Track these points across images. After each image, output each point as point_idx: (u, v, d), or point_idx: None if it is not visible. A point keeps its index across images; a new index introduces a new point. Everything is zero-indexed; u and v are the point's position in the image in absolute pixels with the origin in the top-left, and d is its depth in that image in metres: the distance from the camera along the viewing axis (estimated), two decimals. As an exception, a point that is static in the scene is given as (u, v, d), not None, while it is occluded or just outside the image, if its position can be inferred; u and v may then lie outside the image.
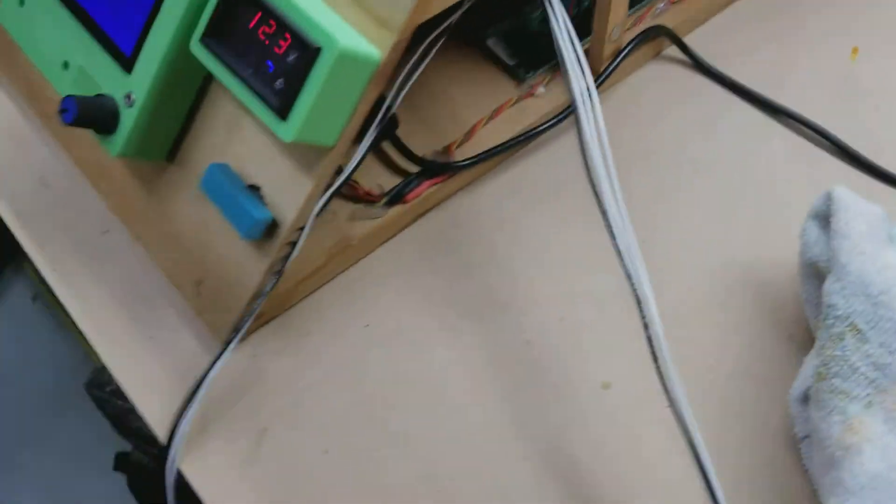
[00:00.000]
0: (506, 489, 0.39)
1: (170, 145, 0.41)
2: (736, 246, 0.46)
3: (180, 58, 0.38)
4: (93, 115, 0.38)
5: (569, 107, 0.50)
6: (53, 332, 1.12)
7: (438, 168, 0.46)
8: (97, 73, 0.40)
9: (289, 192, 0.38)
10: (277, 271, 0.40)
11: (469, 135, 0.48)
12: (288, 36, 0.34)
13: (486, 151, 0.47)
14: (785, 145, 0.50)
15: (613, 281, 0.36)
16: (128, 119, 0.39)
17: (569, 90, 0.37)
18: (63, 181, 0.47)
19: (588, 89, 0.37)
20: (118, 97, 0.39)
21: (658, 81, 0.53)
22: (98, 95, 0.39)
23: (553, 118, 0.49)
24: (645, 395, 0.37)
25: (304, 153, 0.38)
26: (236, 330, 0.39)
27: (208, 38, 0.36)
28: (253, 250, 0.40)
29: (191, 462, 0.39)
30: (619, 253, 0.34)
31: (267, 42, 0.35)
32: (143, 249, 0.45)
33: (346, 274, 0.45)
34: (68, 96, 0.38)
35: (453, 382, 0.42)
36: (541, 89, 0.50)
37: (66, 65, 0.41)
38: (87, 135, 0.45)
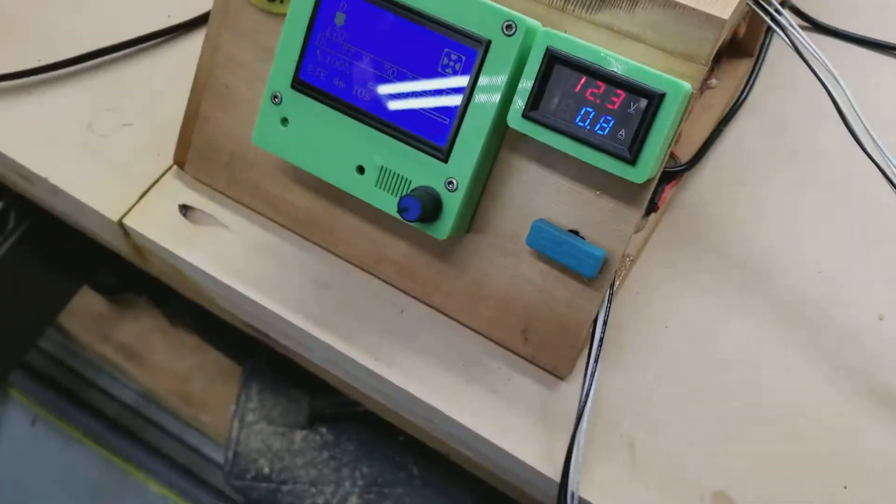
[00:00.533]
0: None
1: (471, 217, 0.45)
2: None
3: (493, 137, 0.42)
4: (429, 207, 0.41)
5: (742, 92, 0.56)
6: (63, 450, 1.09)
7: (674, 172, 0.51)
8: (406, 168, 0.43)
9: (613, 227, 0.42)
10: (610, 298, 0.44)
11: (678, 137, 0.53)
12: (620, 91, 0.38)
13: (702, 148, 0.52)
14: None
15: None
16: (452, 203, 0.42)
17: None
18: (339, 277, 0.49)
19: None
20: (437, 185, 0.42)
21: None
22: (422, 188, 0.42)
23: (734, 104, 0.54)
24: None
25: (622, 189, 0.42)
26: (595, 360, 0.43)
27: (533, 112, 0.40)
28: (584, 287, 0.44)
29: (587, 486, 0.43)
30: None
31: (598, 101, 0.39)
32: (445, 318, 0.48)
33: (625, 287, 0.50)
34: (407, 196, 0.41)
35: (761, 348, 0.47)
36: (713, 81, 0.55)
37: (360, 169, 0.44)
38: (352, 229, 0.48)
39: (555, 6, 0.41)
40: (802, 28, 0.60)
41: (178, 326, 1.18)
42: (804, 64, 0.44)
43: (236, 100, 0.50)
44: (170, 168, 0.53)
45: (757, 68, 0.57)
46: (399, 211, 0.41)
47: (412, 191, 0.42)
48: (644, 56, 0.40)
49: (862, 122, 0.44)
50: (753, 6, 0.43)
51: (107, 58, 0.58)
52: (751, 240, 0.51)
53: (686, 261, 0.50)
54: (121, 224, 0.52)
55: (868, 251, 0.51)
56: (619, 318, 0.48)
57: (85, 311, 1.21)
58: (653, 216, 0.51)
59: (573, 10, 0.41)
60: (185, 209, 0.52)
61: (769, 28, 0.56)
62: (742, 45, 0.58)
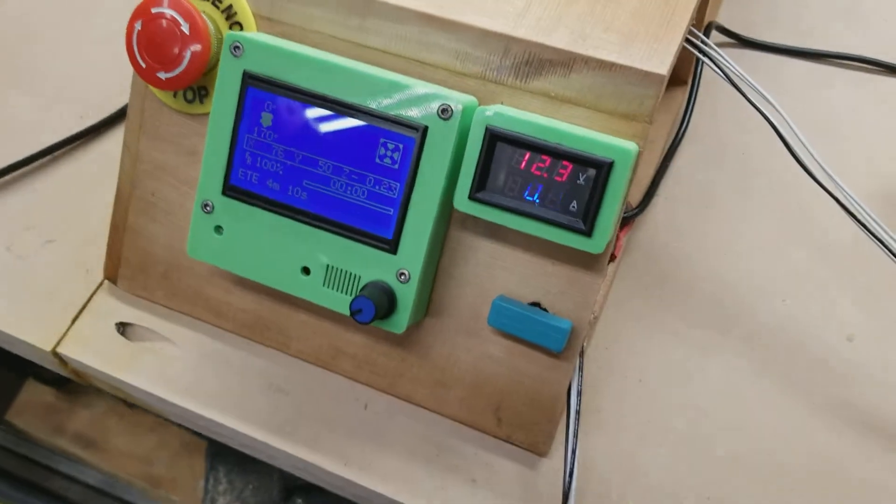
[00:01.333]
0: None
1: (427, 300, 0.43)
2: None
3: (441, 220, 0.40)
4: (383, 304, 0.39)
5: (682, 122, 0.55)
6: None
7: (626, 217, 0.49)
8: (353, 264, 0.41)
9: (576, 296, 0.41)
10: (581, 366, 0.42)
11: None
12: (567, 163, 0.37)
13: (651, 187, 0.51)
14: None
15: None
16: (407, 295, 0.40)
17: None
18: (295, 379, 0.46)
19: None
20: (389, 278, 0.40)
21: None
22: (373, 284, 0.40)
23: (676, 136, 0.54)
24: None
25: (580, 255, 0.40)
26: (574, 434, 0.42)
27: (478, 194, 0.38)
28: (552, 359, 0.42)
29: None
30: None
31: (545, 175, 0.37)
32: (412, 406, 0.46)
33: (593, 345, 0.48)
34: (359, 297, 0.39)
35: (737, 389, 0.46)
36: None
37: (306, 270, 0.41)
38: (303, 326, 0.46)
39: (487, 78, 0.40)
40: (726, 45, 0.60)
41: (134, 406, 1.13)
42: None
43: (165, 207, 0.47)
44: (101, 284, 0.50)
45: (693, 97, 0.57)
46: (352, 314, 0.39)
47: (362, 289, 0.40)
48: (586, 120, 0.39)
49: (806, 147, 0.43)
50: (690, 48, 0.42)
51: (19, 171, 0.55)
52: (713, 275, 0.50)
53: (650, 307, 0.49)
54: (55, 353, 0.48)
55: (828, 273, 0.50)
56: (592, 379, 0.47)
57: (33, 404, 1.16)
58: (611, 266, 0.49)
59: (507, 80, 0.39)
60: (122, 327, 0.49)
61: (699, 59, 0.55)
62: (675, 74, 0.58)
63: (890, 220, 0.43)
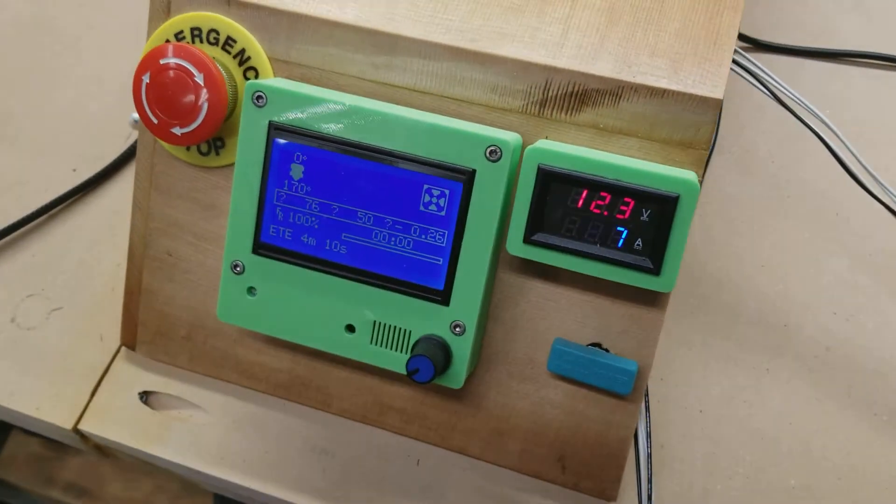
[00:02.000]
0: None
1: (479, 350, 0.40)
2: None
3: (493, 266, 0.38)
4: (440, 362, 0.37)
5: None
6: None
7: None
8: (403, 319, 0.38)
9: (639, 333, 0.39)
10: (647, 407, 0.40)
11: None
12: (628, 199, 0.35)
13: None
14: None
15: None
16: (463, 347, 0.38)
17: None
18: (339, 438, 0.44)
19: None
20: (443, 332, 0.38)
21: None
22: (426, 340, 0.37)
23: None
24: None
25: (640, 293, 0.38)
26: (648, 480, 0.39)
27: (534, 237, 0.36)
28: (617, 401, 0.40)
29: None
30: None
31: (605, 213, 0.35)
32: (468, 459, 0.43)
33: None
34: (416, 356, 0.36)
35: (799, 411, 0.44)
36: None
37: (350, 328, 0.39)
38: (344, 382, 0.43)
39: (529, 112, 0.37)
40: (750, 51, 0.58)
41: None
42: (761, 92, 0.42)
43: (184, 266, 0.44)
44: (118, 351, 0.47)
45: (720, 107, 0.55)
46: (409, 374, 0.36)
47: (415, 345, 0.37)
48: (639, 150, 0.37)
49: (853, 153, 0.42)
50: (742, 73, 0.40)
51: (14, 235, 0.51)
52: (758, 291, 0.48)
53: (700, 331, 0.47)
54: (76, 430, 0.45)
55: (876, 282, 0.49)
56: (652, 414, 0.45)
57: (20, 456, 1.12)
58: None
59: (552, 115, 0.37)
60: (146, 396, 0.46)
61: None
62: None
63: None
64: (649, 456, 0.40)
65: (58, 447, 1.14)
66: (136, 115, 0.55)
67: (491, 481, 0.43)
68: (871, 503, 0.42)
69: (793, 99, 0.41)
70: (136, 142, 0.54)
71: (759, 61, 0.58)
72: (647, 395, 0.40)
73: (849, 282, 0.48)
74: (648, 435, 0.40)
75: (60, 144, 0.55)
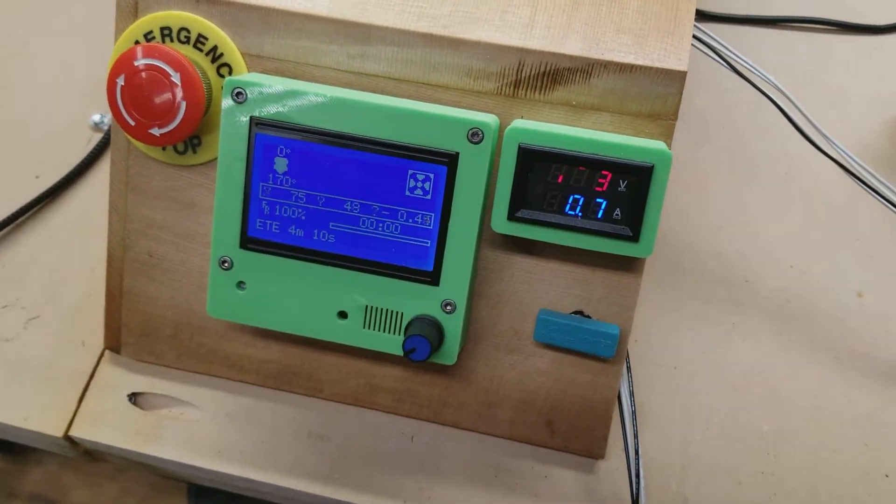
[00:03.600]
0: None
1: (468, 326, 0.42)
2: None
3: (478, 246, 0.39)
4: (435, 339, 0.38)
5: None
6: None
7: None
8: (395, 302, 0.39)
9: (619, 298, 0.41)
10: (629, 367, 0.42)
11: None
12: (606, 172, 0.37)
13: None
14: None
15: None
16: (454, 324, 0.39)
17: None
18: (333, 422, 0.45)
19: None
20: (434, 311, 0.39)
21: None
22: (420, 320, 0.39)
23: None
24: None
25: (618, 260, 0.40)
26: (634, 435, 0.42)
27: (517, 213, 0.37)
28: (602, 364, 0.42)
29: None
30: None
31: (585, 186, 0.37)
32: (461, 432, 0.45)
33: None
34: (413, 336, 0.37)
35: (766, 360, 0.47)
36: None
37: (342, 314, 0.40)
38: (334, 367, 0.44)
39: (504, 93, 0.39)
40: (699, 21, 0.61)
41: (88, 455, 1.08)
42: (710, 61, 0.44)
43: (166, 266, 0.44)
44: (102, 355, 0.47)
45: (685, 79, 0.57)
46: (406, 354, 0.38)
47: (408, 326, 0.39)
48: (611, 125, 0.38)
49: (803, 113, 0.44)
50: (698, 45, 0.42)
51: (-20, 246, 0.51)
52: (719, 251, 0.51)
53: (670, 293, 0.50)
54: (67, 437, 0.45)
55: (828, 234, 0.52)
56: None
57: (-21, 472, 1.10)
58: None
59: (526, 95, 0.38)
60: (135, 397, 0.46)
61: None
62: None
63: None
64: (633, 413, 0.42)
65: (17, 460, 1.12)
66: (96, 117, 0.55)
67: (484, 451, 0.44)
68: (837, 439, 0.45)
69: (746, 66, 0.43)
70: (98, 144, 0.54)
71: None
72: (627, 356, 0.42)
73: (803, 236, 0.51)
74: (631, 393, 0.42)
75: (19, 152, 0.54)
